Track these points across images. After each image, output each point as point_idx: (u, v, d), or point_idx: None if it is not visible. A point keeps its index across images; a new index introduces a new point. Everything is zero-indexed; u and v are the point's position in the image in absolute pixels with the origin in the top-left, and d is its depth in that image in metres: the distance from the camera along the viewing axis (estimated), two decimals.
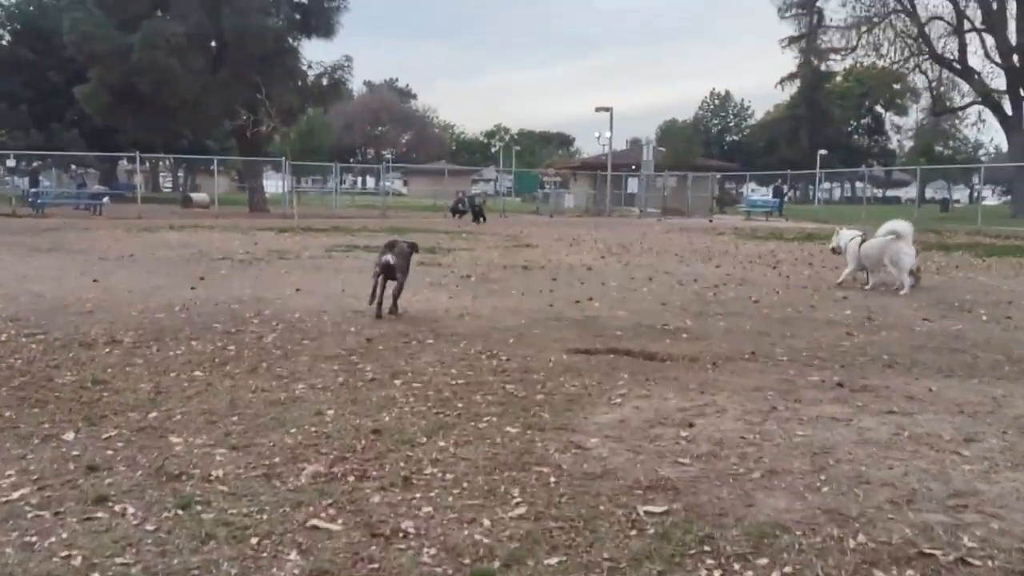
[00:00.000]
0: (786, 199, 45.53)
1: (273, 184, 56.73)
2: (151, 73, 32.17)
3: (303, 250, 16.26)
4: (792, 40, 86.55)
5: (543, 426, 4.30)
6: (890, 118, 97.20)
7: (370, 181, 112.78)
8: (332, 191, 39.81)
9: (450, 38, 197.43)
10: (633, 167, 47.39)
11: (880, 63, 44.33)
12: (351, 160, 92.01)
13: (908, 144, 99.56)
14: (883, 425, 4.31)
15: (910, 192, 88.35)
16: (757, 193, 64.73)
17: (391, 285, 8.11)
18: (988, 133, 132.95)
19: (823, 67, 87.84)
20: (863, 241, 11.02)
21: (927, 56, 41.92)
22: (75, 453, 3.82)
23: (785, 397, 4.92)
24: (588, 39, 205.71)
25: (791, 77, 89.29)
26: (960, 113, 45.96)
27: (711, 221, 35.41)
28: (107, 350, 6.15)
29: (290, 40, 36.39)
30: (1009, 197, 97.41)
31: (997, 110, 40.29)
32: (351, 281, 11.11)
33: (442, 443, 4.01)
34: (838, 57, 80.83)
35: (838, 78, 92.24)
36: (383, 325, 7.51)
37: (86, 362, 5.74)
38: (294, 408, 4.63)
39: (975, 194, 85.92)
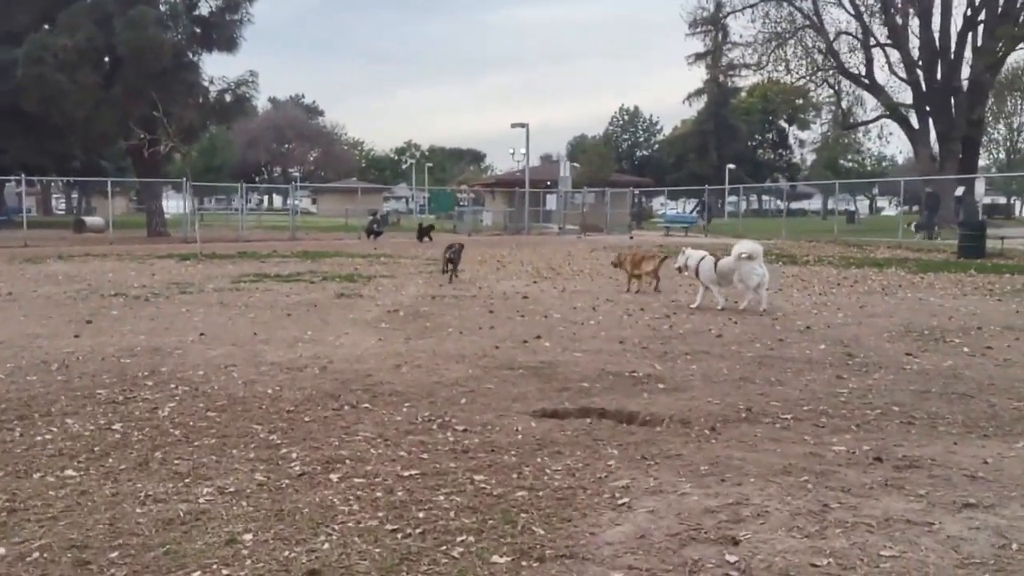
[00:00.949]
0: (700, 214, 45.40)
1: (175, 205, 54.11)
2: (38, 90, 29.89)
3: (207, 281, 14.78)
4: (699, 56, 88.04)
5: (540, 552, 3.21)
6: (793, 132, 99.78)
7: (277, 200, 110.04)
8: (238, 212, 37.82)
9: (356, 56, 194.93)
10: (548, 183, 46.81)
11: (788, 79, 44.65)
12: (256, 179, 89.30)
13: (811, 157, 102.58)
14: (974, 531, 3.37)
15: (814, 204, 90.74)
16: (668, 207, 65.12)
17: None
18: (896, 145, 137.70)
19: (729, 83, 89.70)
20: (717, 261, 11.05)
21: (835, 70, 42.50)
22: None
23: (826, 483, 3.96)
24: (496, 57, 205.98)
25: (698, 93, 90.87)
26: (868, 126, 46.80)
27: (632, 238, 34.92)
28: None
29: (190, 54, 34.44)
30: (907, 208, 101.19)
31: (904, 123, 41.10)
32: (263, 320, 9.81)
33: None
34: (746, 73, 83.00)
35: (743, 93, 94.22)
36: (306, 384, 6.29)
37: None
38: (197, 532, 3.42)
39: (875, 206, 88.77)
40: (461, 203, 40.47)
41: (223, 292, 13.02)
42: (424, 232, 30.87)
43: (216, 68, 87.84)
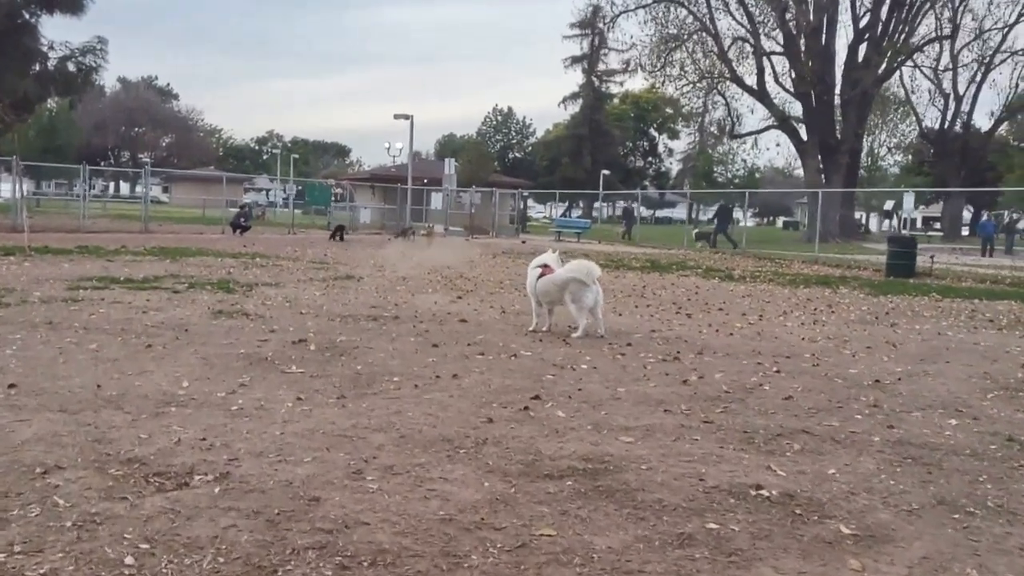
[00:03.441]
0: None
1: (6, 188, 47.83)
2: None
3: (34, 287, 11.31)
4: (575, 60, 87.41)
5: None
6: (663, 141, 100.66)
7: (124, 187, 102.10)
8: (79, 198, 33.15)
9: (214, 41, 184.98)
10: (425, 181, 43.95)
11: (676, 84, 43.51)
12: (102, 163, 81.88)
13: (677, 167, 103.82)
14: None
15: (678, 213, 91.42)
16: (535, 211, 62.97)
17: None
18: (767, 157, 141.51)
19: (604, 88, 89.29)
20: (541, 275, 9.11)
21: (726, 78, 41.66)
22: None
23: None
24: (362, 54, 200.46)
25: (574, 96, 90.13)
26: (754, 136, 46.32)
27: (523, 242, 32.64)
28: None
29: (25, 14, 29.67)
30: (762, 220, 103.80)
31: (793, 135, 40.66)
32: (110, 357, 6.73)
33: None
34: (621, 78, 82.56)
35: (615, 100, 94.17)
36: (200, 533, 3.44)
37: None
38: None
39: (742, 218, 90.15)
40: (338, 198, 37.03)
41: (54, 305, 9.68)
42: (338, 231, 27.70)
43: (58, 33, 79.90)
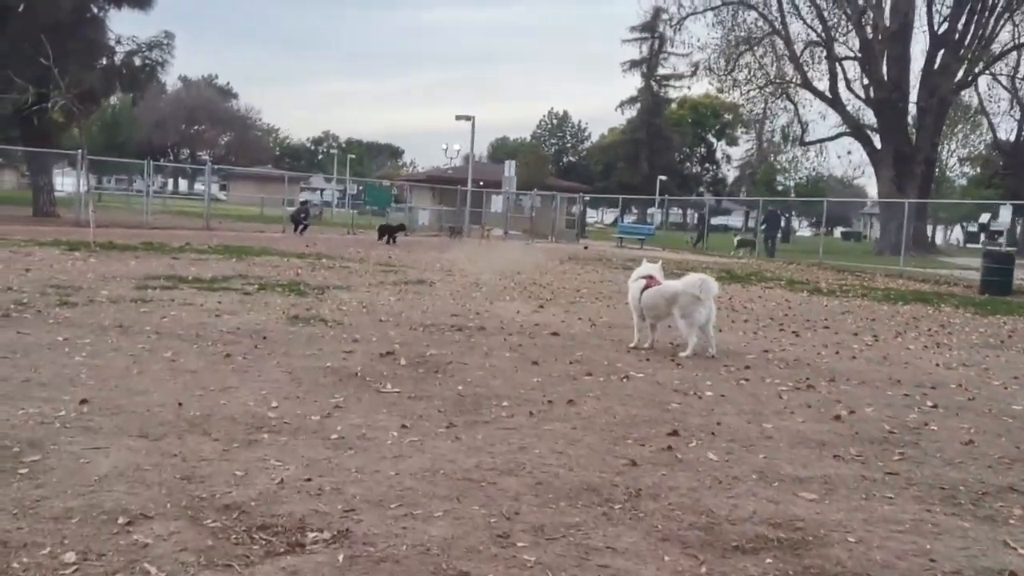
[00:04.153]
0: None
1: (70, 183, 48.25)
2: None
3: (100, 285, 10.83)
4: (634, 64, 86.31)
5: None
6: (722, 147, 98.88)
7: (183, 184, 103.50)
8: (142, 193, 33.13)
9: (272, 41, 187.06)
10: (481, 183, 43.31)
11: (744, 88, 42.23)
12: (161, 160, 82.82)
13: (733, 174, 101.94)
14: None
15: (734, 220, 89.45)
16: (625, 217, 61.53)
17: None
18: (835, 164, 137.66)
19: (663, 93, 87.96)
20: (647, 286, 8.36)
21: (796, 84, 40.37)
22: None
23: None
24: (414, 55, 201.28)
25: (632, 101, 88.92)
26: (825, 144, 44.85)
27: (586, 248, 31.81)
28: None
29: (94, 8, 29.69)
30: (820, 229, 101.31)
31: (867, 143, 39.23)
32: (188, 368, 6.11)
33: None
34: (680, 83, 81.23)
35: (673, 104, 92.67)
36: None
37: None
38: None
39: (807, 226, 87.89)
40: (397, 199, 36.57)
41: (123, 306, 9.14)
42: (390, 232, 26.85)
43: (125, 27, 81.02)
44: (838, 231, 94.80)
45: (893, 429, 5.43)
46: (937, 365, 8.33)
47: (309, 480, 3.84)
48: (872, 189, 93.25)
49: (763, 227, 34.87)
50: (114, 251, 16.02)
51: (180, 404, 5.11)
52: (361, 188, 36.27)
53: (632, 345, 8.40)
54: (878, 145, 38.62)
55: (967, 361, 8.70)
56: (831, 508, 3.82)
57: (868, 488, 4.16)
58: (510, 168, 38.45)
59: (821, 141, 43.17)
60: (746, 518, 3.63)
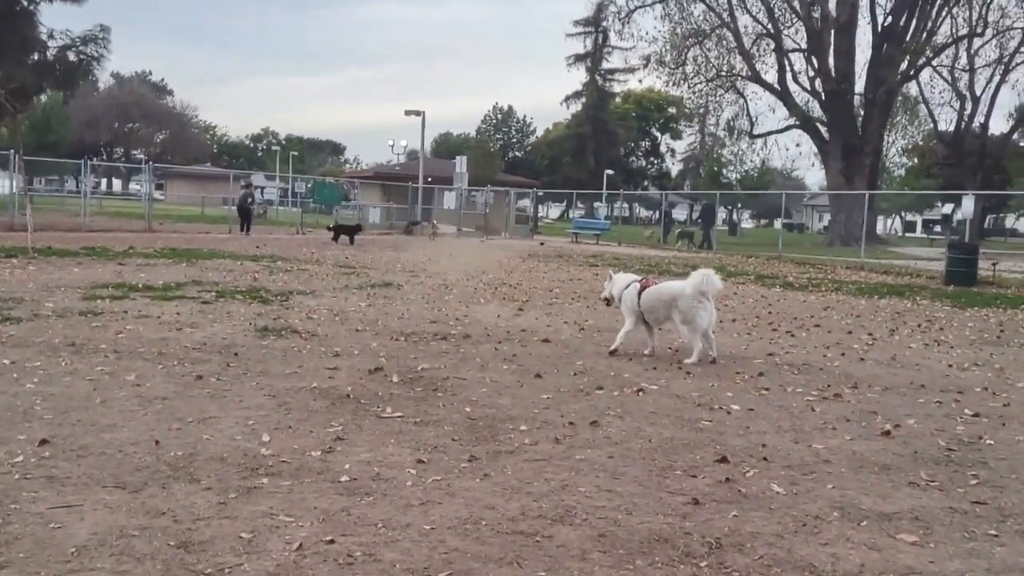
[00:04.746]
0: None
1: (4, 186, 45.95)
2: None
3: (45, 295, 9.94)
4: (579, 58, 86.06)
5: None
6: (666, 141, 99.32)
7: (116, 184, 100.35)
8: (79, 195, 31.68)
9: (204, 38, 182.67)
10: (429, 179, 42.49)
11: (691, 82, 42.09)
12: (94, 159, 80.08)
13: (678, 167, 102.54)
14: None
15: (677, 214, 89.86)
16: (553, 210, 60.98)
17: None
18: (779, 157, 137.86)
19: (607, 87, 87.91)
20: (644, 287, 7.91)
21: (744, 77, 40.39)
22: None
23: None
24: (354, 52, 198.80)
25: (576, 95, 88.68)
26: (774, 137, 45.00)
27: (542, 244, 31.30)
28: None
29: (24, 1, 28.12)
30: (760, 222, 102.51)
31: (815, 135, 39.42)
32: (157, 395, 5.41)
33: None
34: (625, 77, 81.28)
35: (617, 99, 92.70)
36: None
37: None
38: None
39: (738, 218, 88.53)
40: (350, 197, 35.57)
41: (72, 320, 8.31)
42: (348, 232, 25.72)
43: (58, 21, 77.98)
44: (778, 223, 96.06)
45: (950, 446, 4.98)
46: (949, 366, 7.96)
47: (332, 542, 3.21)
48: (810, 180, 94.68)
49: (699, 220, 34.81)
50: (54, 257, 14.99)
51: (157, 442, 4.42)
52: (309, 186, 35.07)
53: (612, 348, 7.83)
54: (826, 137, 38.82)
55: (976, 360, 8.36)
56: (941, 554, 3.32)
57: (964, 524, 3.68)
58: (462, 164, 37.72)
59: (770, 134, 43.37)
60: (855, 573, 3.10)
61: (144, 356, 6.74)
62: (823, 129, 39.32)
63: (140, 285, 11.40)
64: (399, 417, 5.20)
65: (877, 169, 42.48)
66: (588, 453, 4.58)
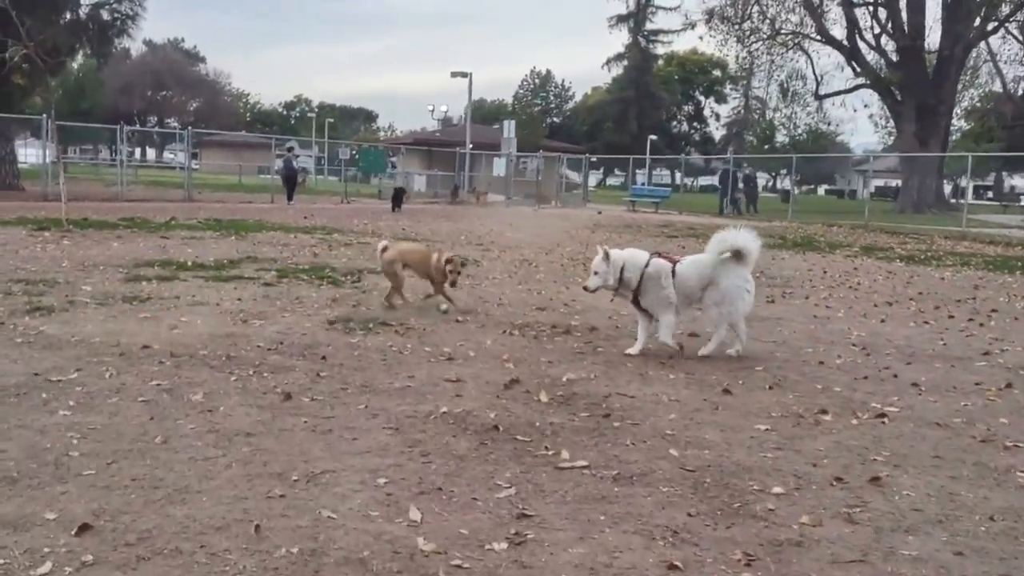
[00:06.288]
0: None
1: (32, 154, 44.82)
2: None
3: (81, 276, 8.47)
4: (620, 19, 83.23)
5: None
6: (710, 105, 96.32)
7: (150, 153, 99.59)
8: (114, 164, 30.39)
9: (236, 4, 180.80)
10: (471, 146, 40.69)
11: (750, 40, 39.81)
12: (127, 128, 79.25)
13: (720, 133, 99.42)
14: None
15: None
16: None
17: None
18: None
19: (651, 49, 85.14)
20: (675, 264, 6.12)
21: (808, 36, 38.06)
22: None
23: None
24: (384, 17, 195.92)
25: (619, 57, 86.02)
26: (837, 100, 42.62)
27: (599, 213, 29.53)
28: None
29: None
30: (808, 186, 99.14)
31: (887, 95, 37.08)
32: (234, 424, 3.81)
33: None
34: (669, 37, 78.65)
35: (660, 62, 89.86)
36: None
37: None
38: None
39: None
40: (395, 165, 34.01)
41: (114, 309, 6.81)
42: (395, 197, 24.56)
43: None
44: (822, 189, 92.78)
45: None
46: None
47: None
48: (854, 144, 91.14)
49: (743, 187, 32.97)
50: (90, 229, 13.56)
51: (257, 527, 2.86)
52: (354, 153, 33.52)
53: (633, 352, 6.00)
54: (898, 97, 36.47)
55: None
56: None
57: None
58: (510, 129, 35.87)
59: (837, 94, 40.98)
60: None
61: (209, 362, 5.22)
62: (894, 91, 36.95)
63: (189, 263, 9.91)
64: (585, 469, 3.61)
65: (949, 131, 40.07)
66: (910, 544, 2.96)
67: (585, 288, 6.39)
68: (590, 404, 4.65)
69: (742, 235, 5.93)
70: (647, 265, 6.00)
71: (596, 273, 6.08)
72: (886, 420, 4.53)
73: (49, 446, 3.60)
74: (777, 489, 3.44)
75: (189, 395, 4.47)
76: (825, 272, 12.30)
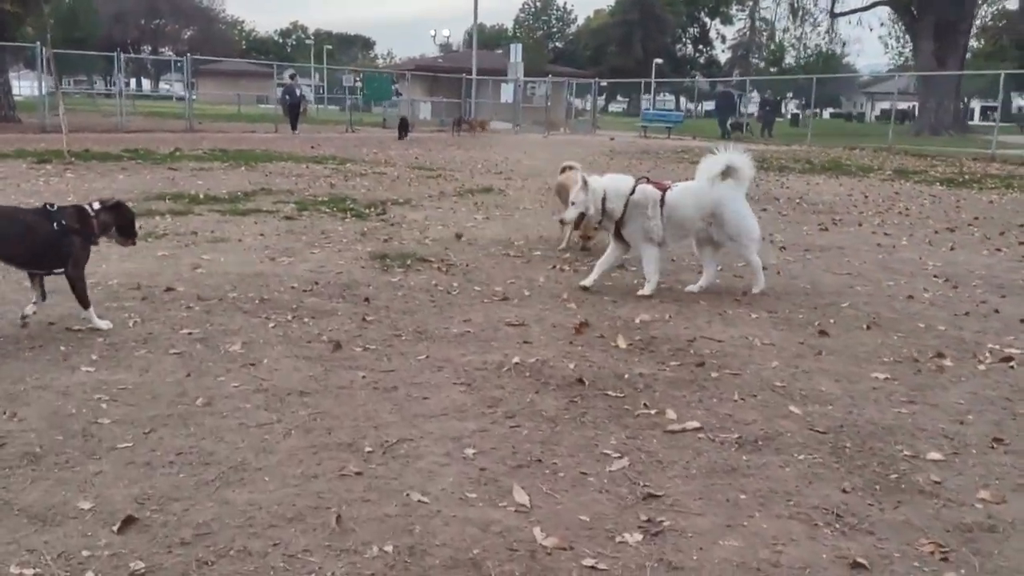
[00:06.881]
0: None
1: (26, 85, 43.58)
2: None
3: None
4: None
5: None
6: (716, 27, 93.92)
7: (145, 83, 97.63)
8: (112, 94, 29.45)
9: None
10: (471, 71, 39.46)
11: None
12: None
13: (726, 56, 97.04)
14: None
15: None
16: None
17: None
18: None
19: None
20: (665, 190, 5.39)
21: None
22: None
23: None
24: None
25: None
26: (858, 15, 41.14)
27: (612, 139, 28.69)
28: None
29: None
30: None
31: (905, 12, 35.76)
32: (286, 379, 3.27)
33: None
34: None
35: None
36: None
37: None
38: None
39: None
40: (399, 92, 32.98)
41: (128, 248, 6.24)
42: (402, 125, 23.93)
43: None
44: (827, 113, 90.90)
45: None
46: None
47: None
48: (861, 65, 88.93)
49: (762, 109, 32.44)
50: (93, 161, 12.90)
51: (337, 518, 2.35)
52: (358, 80, 32.42)
53: (645, 292, 5.32)
54: (916, 14, 35.17)
55: None
56: None
57: None
58: (516, 53, 34.64)
59: (853, 12, 39.57)
60: None
61: (242, 306, 4.69)
62: (912, 9, 35.63)
63: (201, 195, 9.32)
64: (700, 432, 3.09)
65: (965, 50, 38.72)
66: None
67: (561, 221, 5.85)
68: (676, 350, 4.12)
69: (733, 155, 5.29)
70: (632, 192, 5.29)
71: (574, 203, 5.35)
72: (1014, 364, 4.01)
73: (74, 412, 3.09)
74: (933, 455, 2.92)
75: (226, 346, 3.95)
76: (867, 197, 11.69)
